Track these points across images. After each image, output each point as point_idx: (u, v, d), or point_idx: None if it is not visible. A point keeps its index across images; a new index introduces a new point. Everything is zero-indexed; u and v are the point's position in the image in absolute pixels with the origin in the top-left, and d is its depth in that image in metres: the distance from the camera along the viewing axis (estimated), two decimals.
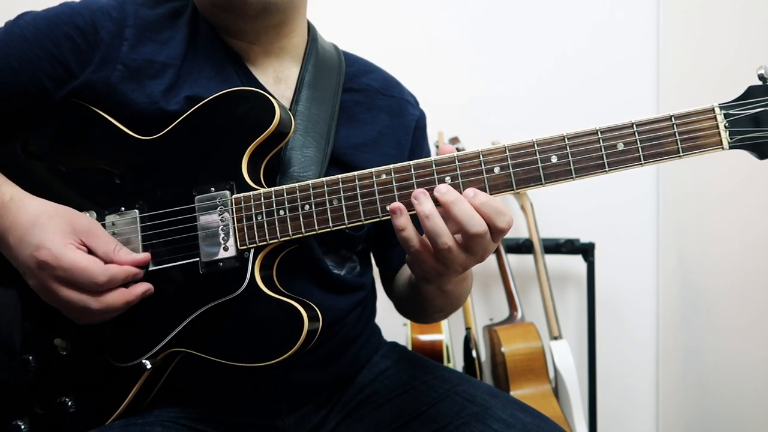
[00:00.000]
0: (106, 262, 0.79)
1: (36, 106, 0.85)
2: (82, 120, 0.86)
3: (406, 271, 1.01)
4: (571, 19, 2.03)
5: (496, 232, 0.73)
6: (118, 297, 0.78)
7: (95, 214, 0.85)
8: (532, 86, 2.04)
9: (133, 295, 0.79)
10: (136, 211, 0.84)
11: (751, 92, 0.71)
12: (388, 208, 0.75)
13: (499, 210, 0.72)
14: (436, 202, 0.73)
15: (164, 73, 0.86)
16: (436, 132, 1.88)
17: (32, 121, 0.88)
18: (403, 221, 0.73)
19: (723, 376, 1.82)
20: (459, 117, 2.00)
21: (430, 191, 0.74)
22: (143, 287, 0.81)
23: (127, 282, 0.80)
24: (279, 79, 0.95)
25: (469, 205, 0.72)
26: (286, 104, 0.93)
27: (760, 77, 0.71)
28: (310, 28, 1.02)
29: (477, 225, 0.71)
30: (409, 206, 0.74)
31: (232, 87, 0.86)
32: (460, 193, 0.73)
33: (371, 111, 1.01)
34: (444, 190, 0.73)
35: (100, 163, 0.87)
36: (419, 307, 0.99)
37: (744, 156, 0.74)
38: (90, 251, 0.79)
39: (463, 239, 0.72)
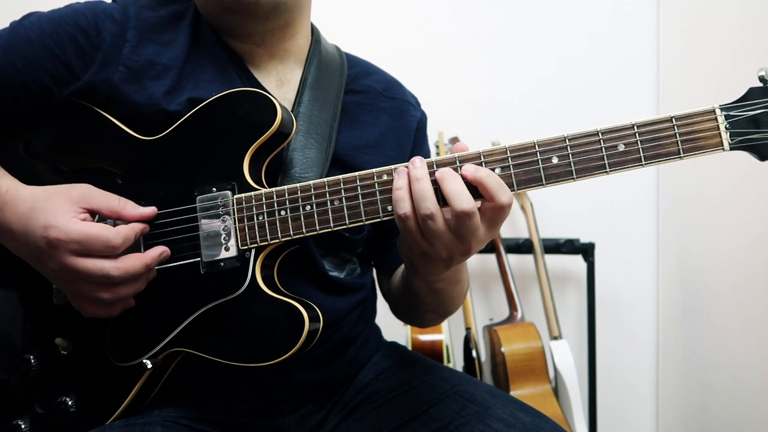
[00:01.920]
0: (113, 218, 0.80)
1: (39, 106, 0.86)
2: (85, 120, 0.87)
3: (400, 271, 1.02)
4: (571, 21, 2.03)
5: (497, 207, 0.73)
6: (136, 261, 0.78)
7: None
8: (532, 88, 2.04)
9: (150, 257, 0.80)
10: None
11: (751, 94, 0.71)
12: (394, 168, 0.76)
13: (502, 184, 0.73)
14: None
15: (166, 75, 0.87)
16: (436, 132, 1.88)
17: (35, 121, 0.88)
18: (402, 182, 0.75)
19: (723, 376, 1.82)
20: (459, 118, 2.00)
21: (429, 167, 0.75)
22: (159, 249, 0.81)
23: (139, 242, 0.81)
24: (282, 81, 0.95)
25: (462, 182, 0.73)
26: (288, 106, 0.93)
27: (761, 79, 0.71)
28: (314, 30, 1.02)
29: (465, 201, 0.72)
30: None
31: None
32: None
33: (373, 112, 1.01)
34: (443, 170, 0.74)
35: (102, 163, 0.87)
36: (412, 305, 1.00)
37: (744, 157, 0.74)
38: (94, 215, 0.80)
39: (452, 217, 0.73)
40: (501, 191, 0.72)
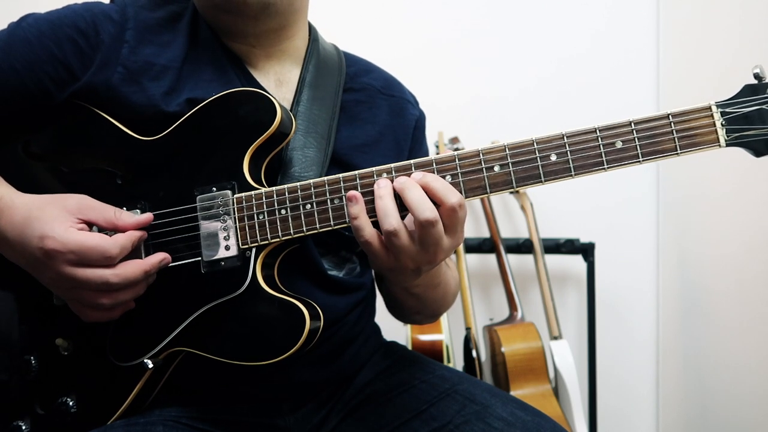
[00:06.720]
0: (110, 229, 0.80)
1: (38, 108, 0.86)
2: (84, 121, 0.87)
3: None
4: (571, 20, 2.03)
5: (448, 210, 0.74)
6: (136, 267, 0.78)
7: None
8: (533, 87, 2.04)
9: (150, 264, 0.79)
10: (138, 211, 0.84)
11: (746, 91, 0.72)
12: (345, 195, 0.77)
13: (450, 187, 0.75)
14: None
15: (164, 76, 0.87)
16: (436, 132, 1.88)
17: (34, 122, 0.88)
18: (357, 210, 0.76)
19: (723, 376, 1.82)
20: (459, 117, 2.01)
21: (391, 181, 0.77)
22: (159, 256, 0.81)
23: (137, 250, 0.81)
24: (280, 81, 0.96)
25: (422, 191, 0.75)
26: (288, 106, 0.93)
27: (756, 76, 0.72)
28: (311, 29, 1.03)
29: (427, 210, 0.73)
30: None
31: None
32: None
33: (372, 110, 1.02)
34: (402, 180, 0.76)
35: (101, 163, 0.87)
36: (397, 308, 1.04)
37: (743, 156, 0.75)
38: (90, 225, 0.80)
39: (415, 227, 0.75)
40: (449, 192, 0.74)
